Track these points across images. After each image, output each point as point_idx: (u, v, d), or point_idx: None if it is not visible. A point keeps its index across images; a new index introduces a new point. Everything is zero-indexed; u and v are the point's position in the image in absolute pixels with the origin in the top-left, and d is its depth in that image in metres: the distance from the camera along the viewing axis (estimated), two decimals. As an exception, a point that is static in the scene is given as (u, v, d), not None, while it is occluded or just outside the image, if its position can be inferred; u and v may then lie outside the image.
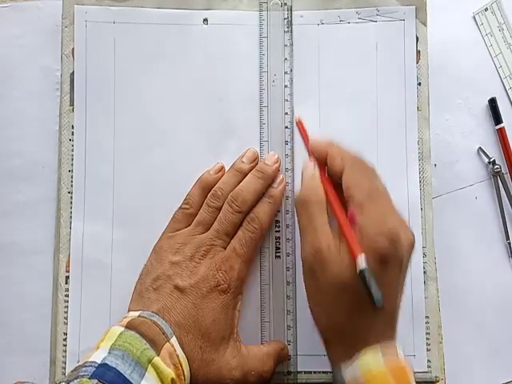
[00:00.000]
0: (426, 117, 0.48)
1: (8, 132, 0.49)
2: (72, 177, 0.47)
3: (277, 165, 0.46)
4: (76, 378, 0.36)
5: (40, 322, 0.47)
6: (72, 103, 0.48)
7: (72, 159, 0.47)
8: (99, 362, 0.37)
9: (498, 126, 0.49)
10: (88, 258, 0.46)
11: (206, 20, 0.48)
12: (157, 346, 0.39)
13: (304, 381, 0.46)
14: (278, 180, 0.46)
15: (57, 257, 0.47)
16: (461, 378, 0.47)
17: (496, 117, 0.49)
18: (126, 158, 0.47)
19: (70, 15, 0.48)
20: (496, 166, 0.49)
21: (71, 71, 0.48)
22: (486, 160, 0.49)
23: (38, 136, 0.48)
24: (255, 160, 0.46)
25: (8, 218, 0.48)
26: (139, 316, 0.40)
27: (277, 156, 0.47)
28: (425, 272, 0.47)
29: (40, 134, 0.48)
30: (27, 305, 0.47)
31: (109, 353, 0.37)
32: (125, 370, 0.37)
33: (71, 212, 0.47)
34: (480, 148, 0.49)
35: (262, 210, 0.45)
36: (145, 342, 0.38)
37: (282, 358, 0.45)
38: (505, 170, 0.49)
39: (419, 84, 0.48)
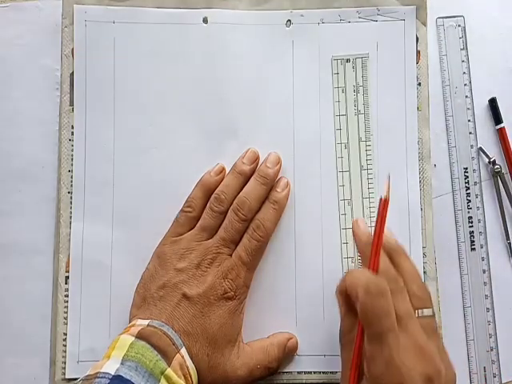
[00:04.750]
0: (426, 117, 0.48)
1: (8, 132, 0.49)
2: (72, 177, 0.47)
3: (278, 166, 0.46)
4: None
5: (40, 322, 0.47)
6: (72, 103, 0.48)
7: (72, 159, 0.47)
8: (113, 373, 0.37)
9: (498, 126, 0.49)
10: (88, 258, 0.46)
11: (205, 19, 0.48)
12: (168, 358, 0.39)
13: (304, 381, 0.46)
14: (282, 184, 0.46)
15: (56, 257, 0.47)
16: (461, 377, 0.47)
17: (496, 117, 0.49)
18: (125, 158, 0.47)
19: (70, 15, 0.48)
20: (496, 166, 0.49)
21: (71, 71, 0.48)
22: (487, 160, 0.49)
23: (37, 136, 0.48)
24: (256, 160, 0.46)
25: (8, 218, 0.48)
26: (148, 325, 0.40)
27: (278, 156, 0.47)
28: (425, 272, 0.47)
29: (40, 133, 0.48)
30: (27, 305, 0.47)
31: (121, 364, 0.37)
32: (139, 381, 0.37)
33: (71, 212, 0.47)
34: (480, 148, 0.49)
35: (267, 217, 0.45)
36: (156, 353, 0.38)
37: (290, 347, 0.45)
38: (505, 170, 0.49)
39: (419, 84, 0.48)
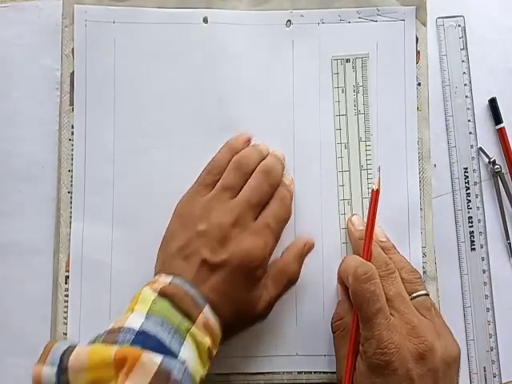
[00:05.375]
0: (426, 117, 0.48)
1: (8, 132, 0.49)
2: (72, 177, 0.47)
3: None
4: (115, 343, 0.35)
5: (40, 322, 0.47)
6: (72, 103, 0.48)
7: (72, 159, 0.47)
8: (137, 328, 0.36)
9: (498, 126, 0.49)
10: (88, 258, 0.47)
11: (205, 19, 0.48)
12: (191, 318, 0.38)
13: (304, 381, 0.46)
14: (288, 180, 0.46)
15: (56, 257, 0.47)
16: (461, 377, 0.47)
17: (496, 117, 0.49)
18: (125, 157, 0.47)
19: (70, 15, 0.48)
20: (496, 166, 0.49)
21: (71, 71, 0.48)
22: (487, 160, 0.49)
23: (37, 136, 0.48)
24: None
25: (8, 218, 0.48)
26: (171, 283, 0.39)
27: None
28: (425, 272, 0.47)
29: (40, 133, 0.48)
30: (27, 305, 0.47)
31: (146, 318, 0.37)
32: (164, 337, 0.36)
33: (71, 212, 0.47)
34: (480, 148, 0.49)
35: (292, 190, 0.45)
36: (179, 312, 0.38)
37: (308, 251, 0.46)
38: (505, 170, 0.49)
39: (419, 84, 0.48)
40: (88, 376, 0.34)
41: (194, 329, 0.38)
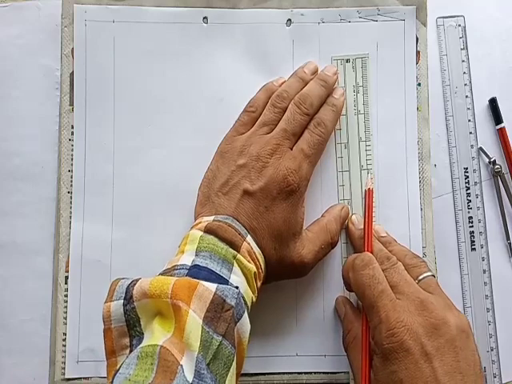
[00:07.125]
0: (426, 117, 0.48)
1: (8, 132, 0.48)
2: (72, 177, 0.47)
3: (336, 76, 0.47)
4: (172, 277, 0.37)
5: (39, 322, 0.47)
6: (72, 103, 0.48)
7: (72, 159, 0.47)
8: (189, 264, 0.38)
9: (499, 126, 0.49)
10: (87, 258, 0.46)
11: (205, 18, 0.48)
12: (236, 246, 0.40)
13: (304, 381, 0.46)
14: (339, 92, 0.47)
15: (56, 257, 0.47)
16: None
17: (496, 117, 0.49)
18: (125, 157, 0.47)
19: (70, 15, 0.48)
20: (496, 166, 0.49)
21: (71, 71, 0.48)
22: (487, 160, 0.49)
23: (37, 136, 0.48)
24: (316, 72, 0.47)
25: (7, 218, 0.48)
26: (214, 220, 0.41)
27: (335, 68, 0.47)
28: (425, 272, 0.47)
29: (40, 133, 0.48)
30: (27, 305, 0.47)
31: (196, 255, 0.39)
32: (215, 267, 0.38)
33: (71, 212, 0.47)
34: (480, 148, 0.49)
35: (327, 117, 0.45)
36: (224, 243, 0.39)
37: (344, 217, 0.46)
38: (505, 169, 0.49)
39: (419, 84, 0.48)
40: (150, 303, 0.36)
41: (239, 255, 0.39)
